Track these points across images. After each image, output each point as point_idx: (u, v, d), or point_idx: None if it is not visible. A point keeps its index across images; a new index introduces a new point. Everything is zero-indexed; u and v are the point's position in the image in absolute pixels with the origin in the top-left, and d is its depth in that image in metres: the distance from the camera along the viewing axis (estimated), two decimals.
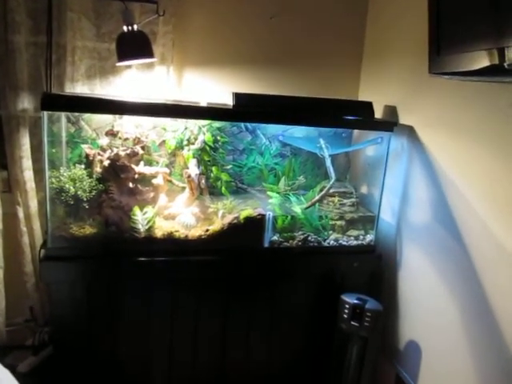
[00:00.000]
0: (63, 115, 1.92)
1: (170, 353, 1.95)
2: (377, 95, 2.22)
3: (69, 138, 1.97)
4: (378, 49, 2.26)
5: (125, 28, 1.79)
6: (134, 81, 2.06)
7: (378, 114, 2.16)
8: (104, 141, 1.93)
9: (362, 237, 2.10)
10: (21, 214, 2.01)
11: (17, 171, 1.98)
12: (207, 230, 1.90)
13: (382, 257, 2.09)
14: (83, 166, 1.88)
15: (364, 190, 2.29)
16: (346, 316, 1.93)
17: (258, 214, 1.94)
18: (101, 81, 2.05)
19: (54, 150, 1.83)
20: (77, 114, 1.95)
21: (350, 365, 1.96)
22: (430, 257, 1.86)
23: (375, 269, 2.10)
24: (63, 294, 1.77)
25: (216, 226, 1.92)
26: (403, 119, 2.03)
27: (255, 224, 1.94)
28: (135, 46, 1.81)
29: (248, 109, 1.86)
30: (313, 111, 1.93)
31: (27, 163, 1.97)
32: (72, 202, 1.77)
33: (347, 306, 1.92)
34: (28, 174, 1.98)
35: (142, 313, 1.86)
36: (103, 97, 1.79)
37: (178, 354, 1.96)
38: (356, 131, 2.32)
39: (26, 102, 1.94)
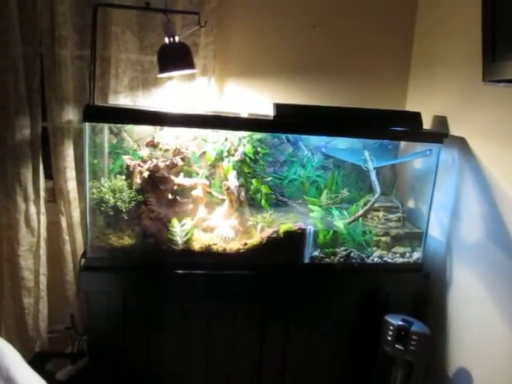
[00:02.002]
0: (106, 126, 1.95)
1: (206, 368, 1.91)
2: (426, 105, 2.11)
3: (111, 149, 1.99)
4: (426, 57, 2.15)
5: (166, 40, 1.80)
6: (175, 92, 2.07)
7: (427, 125, 2.05)
8: (144, 152, 1.94)
9: (408, 254, 1.99)
10: (64, 223, 2.05)
11: (61, 181, 2.02)
12: (245, 244, 1.86)
13: (430, 276, 1.96)
14: (124, 177, 1.89)
15: (411, 204, 2.17)
16: (390, 338, 1.82)
17: (299, 229, 1.88)
18: (143, 92, 2.07)
19: (95, 161, 1.86)
20: (119, 125, 1.97)
21: None
22: (481, 277, 1.72)
23: (422, 289, 1.97)
24: (101, 304, 1.77)
25: (254, 239, 1.87)
26: (454, 130, 1.91)
27: (295, 239, 1.88)
28: (176, 58, 1.80)
29: (289, 119, 1.81)
30: (357, 122, 1.86)
31: (71, 173, 2.01)
32: (111, 213, 1.78)
33: (391, 327, 1.82)
34: (71, 184, 2.02)
35: (178, 326, 1.83)
36: (142, 108, 1.80)
37: (214, 370, 1.91)
38: (403, 143, 2.21)
39: (70, 114, 1.98)
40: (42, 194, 2.04)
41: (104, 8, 1.92)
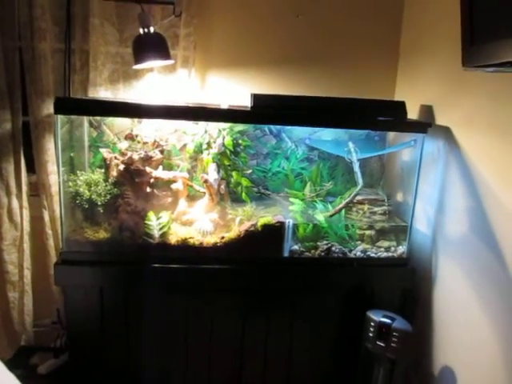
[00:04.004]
0: (85, 120, 1.94)
1: (186, 361, 1.88)
2: (413, 95, 2.04)
3: (91, 143, 1.98)
4: (414, 46, 2.08)
5: (141, 30, 1.77)
6: (156, 84, 2.04)
7: (415, 114, 1.99)
8: (123, 145, 1.92)
9: (393, 248, 1.92)
10: (46, 217, 2.05)
11: (43, 175, 2.02)
12: (223, 238, 1.82)
13: (416, 271, 1.90)
14: (103, 171, 1.88)
15: (399, 197, 2.11)
16: (371, 335, 1.77)
17: (277, 222, 1.83)
18: (124, 85, 2.05)
19: (72, 154, 1.85)
20: (98, 118, 1.96)
21: None
22: (466, 274, 1.65)
23: (408, 285, 1.91)
24: (77, 298, 1.76)
25: (232, 233, 1.83)
26: (440, 120, 1.84)
27: (274, 232, 1.83)
28: (151, 49, 1.78)
29: (266, 110, 1.77)
30: (337, 112, 1.80)
31: (52, 167, 2.01)
32: (87, 206, 1.77)
33: (373, 323, 1.76)
34: (53, 178, 2.02)
35: (155, 321, 1.81)
36: (115, 100, 1.78)
37: (193, 363, 1.88)
38: (391, 134, 2.14)
39: (51, 108, 1.97)
40: (25, 188, 2.04)
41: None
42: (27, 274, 2.10)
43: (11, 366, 2.02)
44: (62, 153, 1.88)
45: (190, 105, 1.87)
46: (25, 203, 2.05)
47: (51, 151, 2.01)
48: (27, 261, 2.09)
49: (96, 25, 1.94)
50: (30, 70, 1.95)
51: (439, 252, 1.83)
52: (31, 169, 2.08)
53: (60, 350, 2.06)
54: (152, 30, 1.78)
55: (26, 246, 2.08)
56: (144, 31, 1.77)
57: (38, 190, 2.07)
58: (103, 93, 2.01)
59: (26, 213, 2.06)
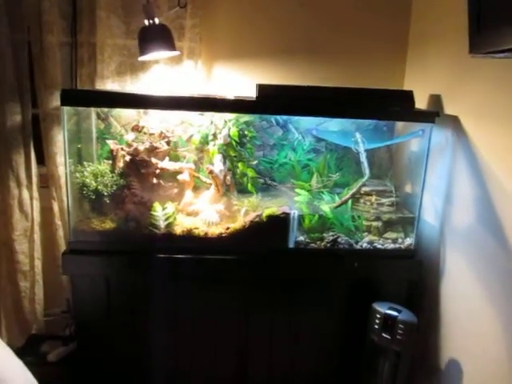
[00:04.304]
0: (93, 111, 1.96)
1: (191, 351, 1.89)
2: (423, 84, 2.01)
3: (99, 134, 2.00)
4: (423, 35, 2.04)
5: (146, 22, 1.78)
6: (163, 76, 2.05)
7: (424, 104, 1.95)
8: (130, 136, 1.93)
9: (400, 240, 1.90)
10: (56, 208, 2.08)
11: (52, 167, 2.05)
12: (228, 228, 1.82)
13: (423, 264, 1.87)
14: (110, 162, 1.90)
15: (407, 188, 2.08)
16: (376, 327, 1.76)
17: (282, 213, 1.83)
18: (131, 77, 2.06)
19: (79, 146, 1.87)
20: (106, 110, 1.98)
21: (381, 380, 1.78)
22: (473, 266, 1.62)
23: (415, 277, 1.89)
24: (84, 287, 1.79)
25: (237, 224, 1.83)
26: (448, 109, 1.80)
27: (279, 223, 1.83)
28: (156, 40, 1.78)
29: (272, 100, 1.76)
30: (342, 101, 1.78)
31: (60, 159, 2.03)
32: (93, 197, 1.79)
33: (378, 315, 1.75)
34: (62, 170, 2.04)
35: (160, 310, 1.83)
36: (120, 91, 1.80)
37: (198, 352, 1.90)
38: (400, 124, 2.11)
39: (59, 100, 1.99)
40: (35, 179, 2.07)
41: None
42: (38, 263, 2.14)
43: (22, 353, 2.06)
44: (69, 144, 1.92)
45: (192, 95, 1.87)
46: (35, 194, 2.08)
47: (60, 143, 2.03)
48: (38, 251, 2.13)
49: (102, 17, 1.96)
50: (39, 63, 1.97)
51: (446, 244, 1.80)
52: (41, 161, 2.12)
53: (69, 339, 2.10)
54: (157, 21, 1.78)
55: (37, 236, 2.11)
56: (149, 22, 1.77)
57: (47, 182, 2.11)
58: (110, 85, 2.02)
59: (36, 204, 2.09)
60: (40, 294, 2.17)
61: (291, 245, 1.84)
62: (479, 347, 1.58)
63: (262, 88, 1.77)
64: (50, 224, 2.12)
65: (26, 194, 2.06)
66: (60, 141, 2.03)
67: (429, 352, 1.88)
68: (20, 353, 2.07)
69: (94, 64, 1.99)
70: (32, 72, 2.00)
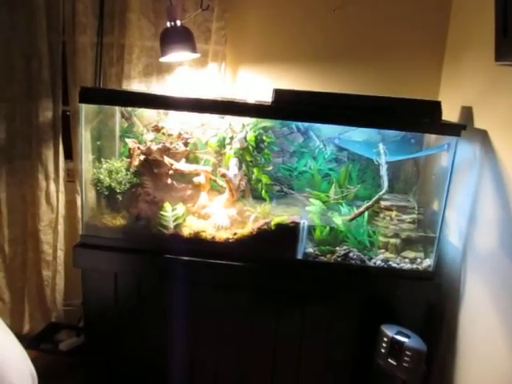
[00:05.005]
0: (117, 110, 2.01)
1: (192, 349, 1.87)
2: (456, 95, 1.87)
3: (122, 133, 2.05)
4: (460, 45, 1.90)
5: (168, 24, 1.80)
6: (187, 78, 2.07)
7: (455, 116, 1.82)
8: (149, 136, 1.96)
9: (419, 260, 1.77)
10: (79, 202, 2.16)
11: (78, 162, 2.13)
12: (235, 234, 1.79)
13: (442, 287, 1.73)
14: (129, 160, 1.93)
15: (432, 206, 1.94)
16: (383, 351, 1.65)
17: (292, 222, 1.76)
18: (157, 78, 2.10)
19: (98, 143, 1.92)
20: (130, 109, 2.02)
21: None
22: (496, 294, 1.47)
23: (432, 301, 1.75)
24: (94, 281, 1.82)
25: (245, 230, 1.80)
26: (478, 122, 1.66)
27: (287, 232, 1.77)
28: (176, 41, 1.80)
29: (288, 106, 1.71)
30: (364, 110, 1.69)
31: (87, 155, 2.10)
32: (106, 193, 1.83)
33: (385, 339, 1.64)
34: (88, 165, 2.11)
35: (163, 310, 1.82)
36: (137, 91, 1.82)
37: (200, 352, 1.87)
38: (432, 137, 1.98)
39: None
40: (62, 173, 2.16)
41: None
42: (60, 254, 2.22)
43: (38, 339, 2.16)
44: (93, 141, 1.98)
45: (217, 99, 1.86)
46: (61, 188, 2.17)
47: (87, 140, 2.10)
48: (61, 242, 2.21)
49: (133, 19, 2.01)
50: (71, 63, 2.06)
51: (468, 267, 1.65)
52: (69, 156, 2.21)
53: (82, 330, 2.15)
54: (178, 23, 1.80)
55: (61, 228, 2.20)
56: (170, 24, 1.79)
57: (74, 176, 2.19)
58: (137, 85, 2.07)
59: (61, 197, 2.18)
60: (61, 284, 2.26)
61: (299, 256, 1.77)
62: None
63: (278, 93, 1.73)
64: (74, 217, 2.21)
65: (52, 186, 2.16)
66: (87, 137, 2.10)
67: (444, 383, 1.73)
68: (36, 339, 2.17)
69: (121, 64, 2.05)
70: (65, 71, 2.09)
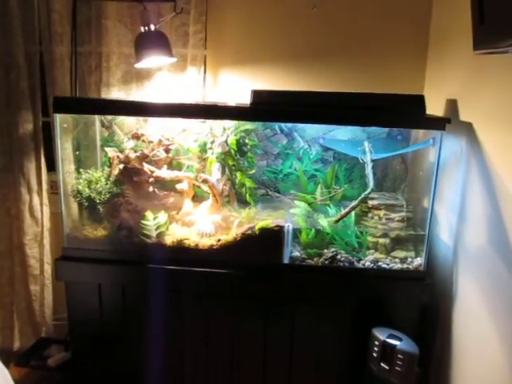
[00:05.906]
0: (97, 119, 1.98)
1: (180, 359, 1.82)
2: (441, 88, 1.82)
3: (103, 142, 2.01)
4: (442, 35, 1.85)
5: (142, 29, 1.77)
6: (167, 84, 2.03)
7: (441, 110, 1.77)
8: (129, 144, 1.92)
9: (410, 260, 1.72)
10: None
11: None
12: (219, 240, 1.74)
13: (435, 287, 1.68)
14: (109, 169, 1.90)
15: (422, 203, 1.88)
16: (375, 355, 1.59)
17: (276, 226, 1.72)
18: (137, 85, 2.07)
19: (77, 153, 1.89)
20: (109, 117, 1.98)
21: None
22: (483, 291, 1.41)
23: (424, 301, 1.69)
24: (77, 294, 1.79)
25: (229, 236, 1.75)
26: (463, 115, 1.61)
27: (272, 236, 1.72)
28: (151, 46, 1.76)
29: (266, 106, 1.67)
30: (343, 107, 1.64)
31: (69, 166, 2.07)
32: (86, 204, 1.79)
33: (377, 342, 1.59)
34: (71, 176, 2.08)
35: (149, 320, 1.78)
36: (112, 98, 1.79)
37: (187, 362, 1.82)
38: (417, 133, 1.92)
39: None
40: (45, 185, 2.13)
41: (97, 2, 1.95)
42: (47, 268, 2.19)
43: (27, 355, 2.12)
44: (74, 152, 1.95)
45: (194, 103, 1.82)
46: (45, 200, 2.14)
47: (68, 150, 2.06)
48: (47, 255, 2.18)
49: (109, 26, 1.98)
50: (49, 73, 2.03)
51: (460, 266, 1.59)
52: (53, 168, 2.17)
53: (69, 343, 2.11)
54: (153, 27, 1.76)
55: (46, 241, 2.17)
56: (144, 29, 1.76)
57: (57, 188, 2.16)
58: (116, 93, 2.04)
59: (46, 210, 2.15)
60: (49, 298, 2.22)
61: (286, 260, 1.73)
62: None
63: (256, 94, 1.69)
64: (60, 230, 2.16)
65: (36, 199, 2.12)
66: (69, 148, 2.06)
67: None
68: (26, 355, 2.13)
69: (99, 72, 2.02)
70: (44, 81, 2.06)
